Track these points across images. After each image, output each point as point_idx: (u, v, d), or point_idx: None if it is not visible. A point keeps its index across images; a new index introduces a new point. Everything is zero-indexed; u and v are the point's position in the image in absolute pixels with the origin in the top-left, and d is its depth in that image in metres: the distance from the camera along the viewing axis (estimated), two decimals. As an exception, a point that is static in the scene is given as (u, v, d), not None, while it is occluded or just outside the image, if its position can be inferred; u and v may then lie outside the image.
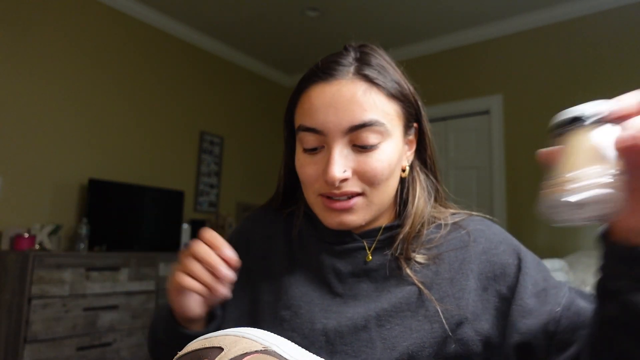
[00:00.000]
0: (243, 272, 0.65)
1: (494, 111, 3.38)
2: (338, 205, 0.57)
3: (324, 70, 0.58)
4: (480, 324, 0.56)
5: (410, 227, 0.62)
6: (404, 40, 3.70)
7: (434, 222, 0.65)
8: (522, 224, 3.16)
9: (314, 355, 0.46)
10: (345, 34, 3.51)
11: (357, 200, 0.57)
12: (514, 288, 0.57)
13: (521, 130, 3.25)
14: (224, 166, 3.87)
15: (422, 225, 0.63)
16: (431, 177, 0.67)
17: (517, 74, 3.31)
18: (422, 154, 0.66)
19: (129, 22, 3.25)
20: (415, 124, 0.64)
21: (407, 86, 0.61)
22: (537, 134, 3.18)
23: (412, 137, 0.64)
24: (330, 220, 0.59)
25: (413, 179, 0.65)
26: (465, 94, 3.53)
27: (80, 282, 2.32)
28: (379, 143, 0.56)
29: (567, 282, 0.62)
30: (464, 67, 3.56)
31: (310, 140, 0.58)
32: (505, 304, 0.57)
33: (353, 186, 0.57)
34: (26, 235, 2.39)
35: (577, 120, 0.39)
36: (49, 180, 2.73)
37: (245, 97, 4.14)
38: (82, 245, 2.58)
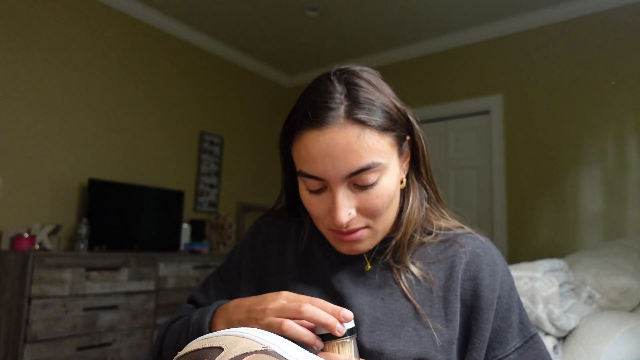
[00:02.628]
0: (260, 267, 0.73)
1: (494, 111, 3.38)
2: (347, 238, 0.61)
3: (315, 118, 0.57)
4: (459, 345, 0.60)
5: (403, 234, 0.65)
6: (404, 41, 3.70)
7: (428, 231, 0.67)
8: (522, 224, 3.16)
9: (314, 355, 0.46)
10: (345, 34, 3.56)
11: (363, 232, 0.61)
12: (478, 323, 0.60)
13: (521, 130, 3.25)
14: (224, 166, 3.87)
15: (415, 232, 0.66)
16: (426, 185, 0.69)
17: (517, 74, 3.31)
18: (416, 164, 0.68)
19: (129, 22, 3.25)
20: (407, 137, 0.65)
21: (396, 108, 0.61)
22: (537, 134, 3.18)
23: (406, 148, 0.65)
24: (342, 248, 0.64)
25: (408, 187, 0.67)
26: (465, 94, 3.53)
27: (80, 282, 2.32)
28: (377, 179, 0.59)
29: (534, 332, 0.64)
30: (464, 67, 3.56)
31: (312, 184, 0.60)
32: (467, 333, 0.60)
33: (358, 223, 0.60)
34: (26, 235, 2.39)
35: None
36: (49, 180, 2.73)
37: (245, 97, 4.14)
38: (82, 245, 2.58)
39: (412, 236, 0.65)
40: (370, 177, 0.58)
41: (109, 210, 2.85)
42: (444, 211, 0.70)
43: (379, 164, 0.58)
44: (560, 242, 2.99)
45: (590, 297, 1.71)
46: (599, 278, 1.73)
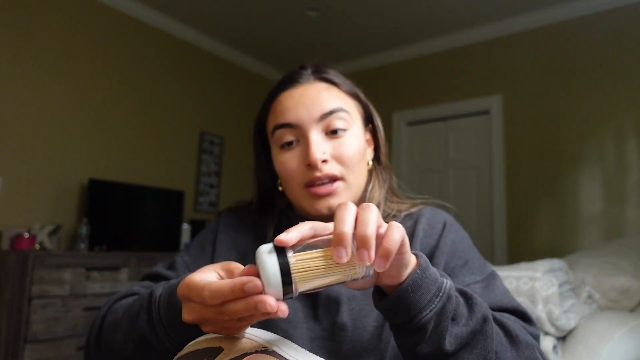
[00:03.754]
0: (236, 253, 0.71)
1: (493, 111, 3.38)
2: (323, 189, 0.64)
3: (288, 80, 0.67)
4: None
5: None
6: (404, 41, 3.70)
7: (392, 214, 0.71)
8: (522, 224, 3.16)
9: (314, 355, 0.46)
10: (345, 34, 3.56)
11: (338, 184, 0.64)
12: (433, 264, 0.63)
13: (521, 130, 3.25)
14: (224, 166, 3.87)
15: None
16: (386, 172, 0.75)
17: (517, 74, 3.31)
18: (377, 152, 0.74)
19: (129, 22, 3.25)
20: (370, 125, 0.73)
21: (359, 92, 0.71)
22: (537, 134, 3.18)
23: (369, 137, 0.73)
24: (319, 207, 0.65)
25: (371, 173, 0.73)
26: (465, 94, 3.54)
27: (81, 282, 2.33)
28: (346, 129, 0.65)
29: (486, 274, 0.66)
30: (464, 67, 3.56)
31: (286, 135, 0.65)
32: None
33: (332, 169, 0.64)
34: (26, 235, 2.40)
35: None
36: (50, 180, 2.73)
37: (245, 97, 4.15)
38: (82, 245, 2.58)
39: None
40: (340, 122, 0.64)
41: (109, 210, 2.85)
42: (403, 196, 0.76)
43: (347, 112, 0.66)
44: (560, 242, 2.99)
45: (589, 297, 1.72)
46: (599, 278, 1.73)
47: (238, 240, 0.73)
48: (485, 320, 0.49)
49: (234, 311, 0.39)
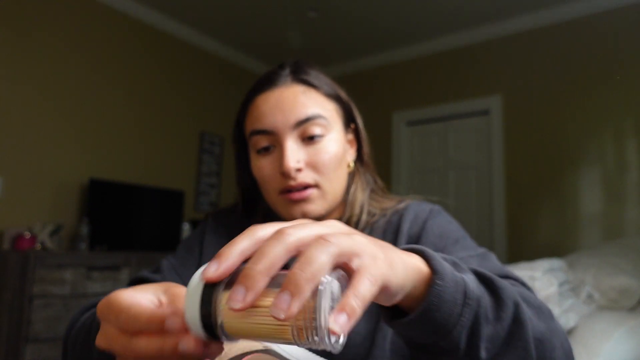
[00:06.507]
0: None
1: (493, 111, 3.38)
2: (297, 195, 0.62)
3: (265, 82, 0.65)
4: None
5: (350, 214, 0.68)
6: (404, 41, 3.70)
7: (379, 214, 0.69)
8: (521, 224, 3.16)
9: (315, 354, 0.46)
10: (345, 35, 3.56)
11: (312, 191, 0.63)
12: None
13: (521, 130, 3.25)
14: (224, 166, 3.87)
15: (362, 212, 0.68)
16: (370, 174, 0.73)
17: (517, 74, 3.31)
18: (360, 153, 0.73)
19: (129, 22, 3.25)
20: (352, 125, 0.71)
21: (341, 91, 0.69)
22: (537, 134, 3.18)
23: (351, 137, 0.71)
24: (295, 212, 0.64)
25: (354, 174, 0.72)
26: (465, 94, 3.54)
27: (81, 281, 2.33)
28: (323, 135, 0.64)
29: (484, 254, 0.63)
30: (464, 67, 3.56)
31: (262, 141, 0.64)
32: None
33: (307, 178, 0.62)
34: (27, 235, 2.40)
35: None
36: (50, 180, 2.74)
37: (246, 97, 4.15)
38: (83, 245, 2.59)
39: (359, 217, 0.68)
40: (317, 129, 0.63)
41: (109, 210, 2.85)
42: (388, 195, 0.74)
43: (324, 118, 0.63)
44: (560, 241, 2.99)
45: (589, 296, 1.72)
46: (598, 277, 1.73)
47: (225, 242, 0.70)
48: (516, 305, 0.39)
49: (142, 348, 0.30)
